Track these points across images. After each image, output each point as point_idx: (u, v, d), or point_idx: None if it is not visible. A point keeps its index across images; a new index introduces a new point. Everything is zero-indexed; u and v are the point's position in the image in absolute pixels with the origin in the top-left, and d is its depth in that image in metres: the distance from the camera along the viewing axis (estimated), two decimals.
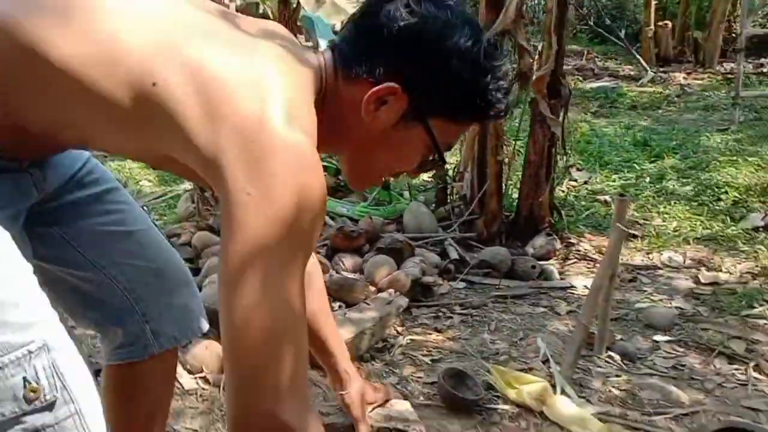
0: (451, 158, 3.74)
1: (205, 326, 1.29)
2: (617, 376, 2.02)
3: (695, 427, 1.76)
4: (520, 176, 3.06)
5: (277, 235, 0.77)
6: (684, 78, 8.00)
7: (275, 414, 0.81)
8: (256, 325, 0.79)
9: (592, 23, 10.64)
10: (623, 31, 10.09)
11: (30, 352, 0.80)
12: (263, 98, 0.81)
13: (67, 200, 1.10)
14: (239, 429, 0.84)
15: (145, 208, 3.26)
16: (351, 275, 2.46)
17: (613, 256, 1.83)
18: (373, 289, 2.40)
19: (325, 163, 3.70)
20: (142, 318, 1.18)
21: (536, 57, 2.82)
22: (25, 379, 0.79)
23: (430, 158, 1.01)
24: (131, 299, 1.16)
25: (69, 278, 1.13)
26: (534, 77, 2.70)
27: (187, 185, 3.60)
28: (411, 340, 2.23)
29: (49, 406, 0.82)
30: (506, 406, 1.85)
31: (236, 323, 0.79)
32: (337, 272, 2.47)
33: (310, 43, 11.38)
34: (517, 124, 3.30)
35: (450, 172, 3.29)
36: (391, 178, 1.29)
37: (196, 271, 2.48)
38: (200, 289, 2.23)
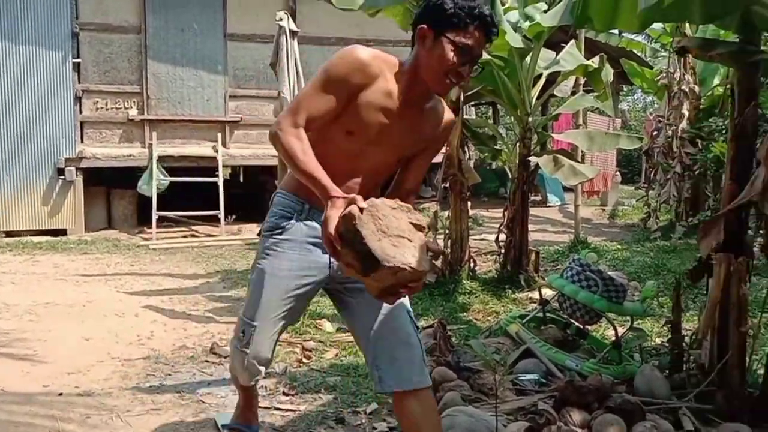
0: (688, 324, 3.62)
1: (422, 382, 1.91)
2: None
3: None
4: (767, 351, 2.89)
5: (320, 71, 1.91)
6: None
7: (278, 121, 1.88)
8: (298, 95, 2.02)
9: None
10: None
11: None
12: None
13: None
14: (270, 133, 1.88)
15: None
16: (578, 430, 2.50)
17: None
18: None
19: (554, 316, 3.82)
20: (372, 364, 1.95)
21: None
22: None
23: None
24: (370, 350, 1.95)
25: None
26: None
27: (423, 323, 3.96)
28: None
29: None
30: None
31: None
32: (564, 424, 2.54)
33: (539, 197, 11.79)
34: (763, 295, 3.15)
35: (687, 339, 3.20)
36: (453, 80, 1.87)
37: None
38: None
